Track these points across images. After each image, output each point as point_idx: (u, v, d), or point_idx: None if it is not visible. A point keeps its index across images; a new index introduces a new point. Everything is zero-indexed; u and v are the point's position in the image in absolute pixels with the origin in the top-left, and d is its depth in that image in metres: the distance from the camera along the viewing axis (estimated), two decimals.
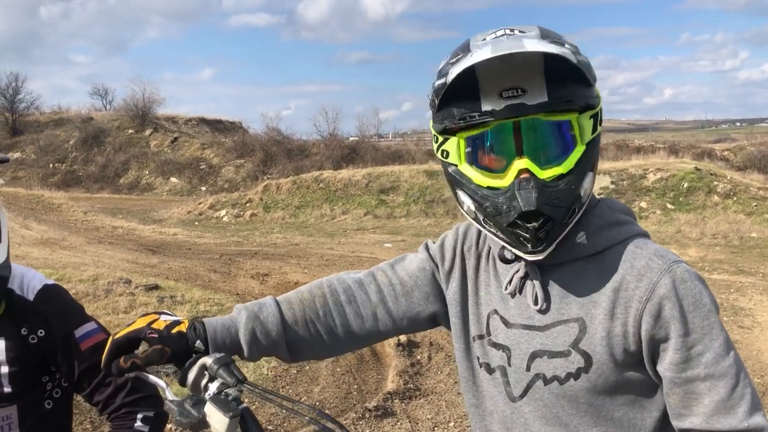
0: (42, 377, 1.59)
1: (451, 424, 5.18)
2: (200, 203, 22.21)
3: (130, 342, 1.23)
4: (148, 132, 36.43)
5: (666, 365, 1.16)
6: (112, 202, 26.24)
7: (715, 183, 18.98)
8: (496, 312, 1.31)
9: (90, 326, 1.62)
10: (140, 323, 1.25)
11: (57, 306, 1.60)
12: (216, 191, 27.31)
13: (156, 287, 8.91)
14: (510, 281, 1.28)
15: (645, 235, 1.27)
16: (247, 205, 21.56)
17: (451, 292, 1.39)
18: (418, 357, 6.55)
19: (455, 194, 1.26)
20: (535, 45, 1.10)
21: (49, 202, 19.95)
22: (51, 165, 34.85)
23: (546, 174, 1.15)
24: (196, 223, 19.96)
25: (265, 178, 27.13)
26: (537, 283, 1.24)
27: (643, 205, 18.16)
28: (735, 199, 18.34)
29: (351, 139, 36.07)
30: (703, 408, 1.13)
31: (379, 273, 1.43)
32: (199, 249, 13.94)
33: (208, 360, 1.18)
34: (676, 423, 1.18)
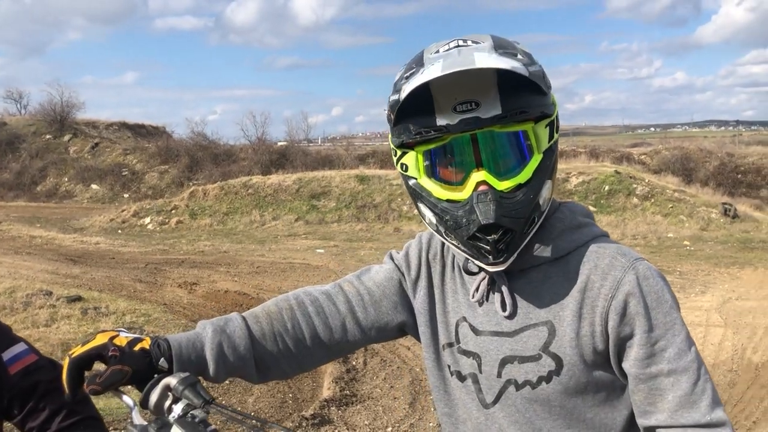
0: None
1: (389, 429, 5.18)
2: (123, 211, 21.45)
3: (90, 360, 1.15)
4: (66, 137, 34.95)
5: (631, 361, 1.17)
6: (29, 210, 25.05)
7: (634, 186, 19.80)
8: (464, 319, 1.30)
9: (19, 348, 1.51)
10: (100, 339, 1.16)
11: None
12: (140, 198, 26.47)
13: (79, 298, 8.56)
14: (477, 289, 1.27)
15: (605, 235, 1.29)
16: (173, 212, 20.98)
17: (419, 302, 1.38)
18: (354, 363, 6.52)
19: (417, 207, 1.26)
20: (485, 60, 1.10)
21: None
22: None
23: (504, 185, 1.15)
24: (120, 231, 19.28)
25: (191, 184, 26.51)
26: (504, 289, 1.24)
27: None
28: (653, 200, 19.19)
29: (280, 143, 35.68)
30: (667, 404, 1.15)
31: (346, 284, 1.41)
32: (123, 258, 13.47)
33: (172, 380, 1.10)
34: (641, 421, 1.19)
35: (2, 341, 1.51)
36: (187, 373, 1.12)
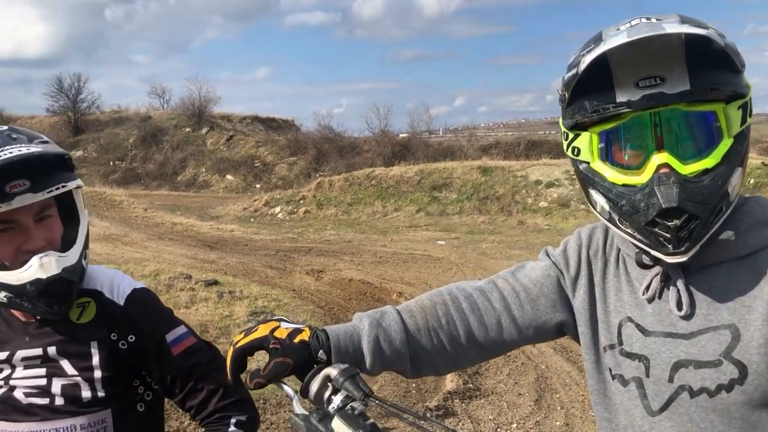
0: (133, 381, 1.58)
1: (514, 425, 5.10)
2: (255, 200, 22.52)
3: (252, 351, 1.21)
4: (204, 130, 37.13)
5: None
6: (170, 198, 26.86)
7: None
8: (629, 319, 1.22)
9: (180, 330, 1.61)
10: (262, 331, 1.21)
11: (147, 311, 1.59)
12: (270, 188, 27.64)
13: (215, 282, 9.07)
14: (648, 286, 1.19)
15: None
16: (301, 202, 21.76)
17: (579, 300, 1.31)
18: None
19: (587, 194, 1.19)
20: (675, 27, 1.02)
21: (110, 199, 20.55)
22: (111, 163, 35.90)
23: (689, 169, 1.06)
24: (252, 219, 20.26)
25: (318, 175, 27.34)
26: (681, 286, 1.15)
27: None
28: None
29: (402, 135, 36.00)
30: None
31: (501, 281, 1.36)
32: (255, 245, 14.12)
33: (332, 371, 1.13)
34: None
35: (166, 324, 1.61)
36: (347, 365, 1.15)
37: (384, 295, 9.27)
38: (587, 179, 1.16)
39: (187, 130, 37.34)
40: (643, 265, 1.20)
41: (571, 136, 1.17)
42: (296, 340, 1.19)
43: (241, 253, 12.80)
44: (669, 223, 1.06)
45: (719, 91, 1.06)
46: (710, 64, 1.04)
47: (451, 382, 5.79)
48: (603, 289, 1.28)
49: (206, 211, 22.09)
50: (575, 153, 1.17)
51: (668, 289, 1.17)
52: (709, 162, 1.07)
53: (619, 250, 1.27)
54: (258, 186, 30.72)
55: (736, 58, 1.05)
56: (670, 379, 1.15)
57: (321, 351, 1.19)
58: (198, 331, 1.77)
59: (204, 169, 34.24)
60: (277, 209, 21.34)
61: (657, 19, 1.07)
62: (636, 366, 1.20)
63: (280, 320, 1.24)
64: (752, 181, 18.21)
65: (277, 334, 1.19)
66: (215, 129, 37.54)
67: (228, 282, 9.34)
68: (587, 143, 1.14)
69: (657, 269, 1.18)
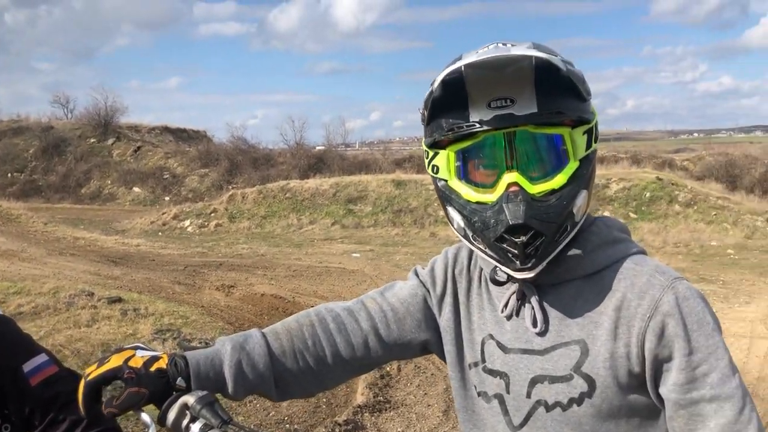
0: None
1: None
2: (164, 213, 21.84)
3: (106, 382, 1.16)
4: (110, 141, 35.76)
5: (670, 386, 1.11)
6: (73, 212, 25.66)
7: (676, 192, 19.38)
8: (491, 337, 1.26)
9: (40, 359, 1.52)
10: (116, 361, 1.16)
11: (2, 340, 1.50)
12: (180, 201, 26.92)
13: (119, 300, 8.70)
14: (507, 304, 1.23)
15: (643, 252, 1.23)
16: (212, 215, 21.28)
17: (445, 319, 1.34)
18: (388, 369, 6.49)
19: (445, 210, 1.23)
20: (522, 51, 1.08)
21: (7, 213, 19.42)
22: (9, 174, 33.92)
23: (536, 189, 1.11)
24: (160, 233, 19.63)
25: (230, 187, 26.83)
26: (535, 304, 1.19)
27: (607, 214, 18.42)
28: (695, 208, 18.75)
29: (318, 148, 35.93)
30: (709, 431, 1.08)
31: (369, 300, 1.38)
32: (162, 260, 13.69)
33: (189, 399, 1.10)
34: None
35: (24, 353, 1.52)
36: (205, 392, 1.12)
37: (297, 309, 9.15)
38: (445, 196, 1.20)
39: (92, 140, 35.84)
40: (496, 282, 1.23)
41: (431, 154, 1.21)
42: (152, 369, 1.15)
43: (148, 269, 12.37)
44: (516, 239, 1.10)
45: (564, 115, 1.11)
46: (557, 90, 1.10)
47: (361, 395, 5.79)
48: (467, 308, 1.32)
49: (111, 225, 21.23)
50: (435, 171, 1.21)
51: (524, 307, 1.21)
52: (555, 183, 1.12)
53: (481, 269, 1.31)
54: (167, 199, 29.84)
55: (581, 86, 1.12)
56: (528, 395, 1.19)
57: (180, 378, 1.16)
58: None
59: (110, 182, 32.93)
60: (187, 222, 20.77)
61: (512, 45, 1.13)
62: (497, 383, 1.24)
63: (135, 348, 1.20)
64: (648, 194, 19.27)
65: (131, 363, 1.15)
66: (122, 140, 36.22)
67: (133, 299, 8.99)
68: (445, 161, 1.18)
69: (513, 287, 1.22)
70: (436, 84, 1.11)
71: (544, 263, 1.14)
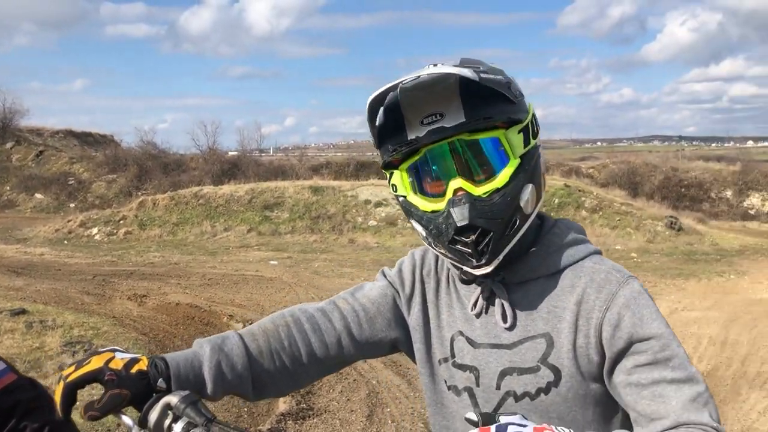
0: None
1: None
2: (69, 221, 20.82)
3: (85, 384, 1.13)
4: (9, 145, 33.82)
5: (630, 369, 1.17)
6: None
7: (583, 199, 20.27)
8: (461, 333, 1.32)
9: None
10: (96, 363, 1.14)
11: None
12: (87, 208, 25.75)
13: (23, 312, 8.27)
14: (476, 303, 1.30)
15: (599, 252, 1.33)
16: (121, 222, 20.49)
17: (414, 318, 1.40)
18: None
19: (411, 224, 1.30)
20: (438, 69, 1.15)
21: None
22: None
23: (481, 190, 1.19)
24: (66, 242, 18.71)
25: (140, 194, 25.96)
26: (505, 301, 1.27)
27: None
28: (601, 213, 19.67)
29: (232, 153, 35.28)
30: (671, 408, 1.12)
31: (341, 301, 1.43)
32: (69, 270, 13.07)
33: (173, 399, 1.10)
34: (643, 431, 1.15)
35: None
36: (187, 392, 1.12)
37: (214, 318, 8.98)
38: (407, 211, 1.29)
39: None
40: (464, 281, 1.33)
41: (388, 174, 1.31)
42: (133, 371, 1.15)
43: (54, 279, 11.78)
44: (467, 239, 1.19)
45: (493, 119, 1.19)
46: (483, 97, 1.18)
47: (284, 403, 5.73)
48: (436, 306, 1.39)
49: (11, 233, 20.06)
50: (394, 189, 1.30)
51: (493, 305, 1.29)
52: (499, 182, 1.19)
53: (449, 270, 1.39)
54: (72, 205, 28.47)
55: (506, 90, 1.19)
56: (498, 387, 1.27)
57: (160, 379, 1.16)
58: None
59: (9, 187, 31.10)
60: (95, 230, 19.89)
61: (441, 64, 1.20)
62: (467, 377, 1.31)
63: (114, 350, 1.19)
64: (556, 201, 20.06)
65: (112, 365, 1.14)
66: (22, 143, 34.35)
67: (38, 311, 8.55)
68: (400, 180, 1.27)
69: (480, 286, 1.30)
70: (366, 109, 1.21)
71: (500, 257, 1.21)
